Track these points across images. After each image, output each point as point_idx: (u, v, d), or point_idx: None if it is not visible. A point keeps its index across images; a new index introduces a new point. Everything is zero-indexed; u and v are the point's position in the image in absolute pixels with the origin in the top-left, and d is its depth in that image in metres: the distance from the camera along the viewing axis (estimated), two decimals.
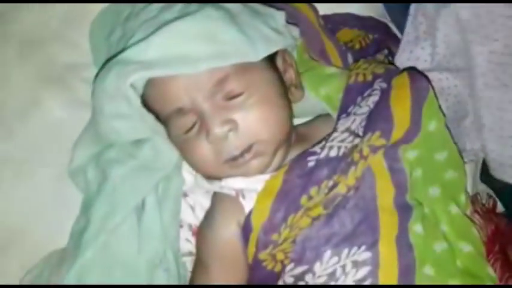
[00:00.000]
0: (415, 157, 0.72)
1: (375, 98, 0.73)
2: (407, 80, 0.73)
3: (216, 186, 0.76)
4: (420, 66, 0.82)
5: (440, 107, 0.74)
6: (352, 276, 0.66)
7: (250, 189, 0.73)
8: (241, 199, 0.73)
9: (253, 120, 0.71)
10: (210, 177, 0.76)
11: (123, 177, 0.76)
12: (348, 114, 0.73)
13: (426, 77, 0.75)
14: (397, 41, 0.91)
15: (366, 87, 0.75)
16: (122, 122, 0.75)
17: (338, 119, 0.74)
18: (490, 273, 0.69)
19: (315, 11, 0.90)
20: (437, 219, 0.71)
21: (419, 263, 0.66)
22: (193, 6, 0.75)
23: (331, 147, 0.70)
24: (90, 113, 0.83)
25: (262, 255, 0.70)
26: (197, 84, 0.70)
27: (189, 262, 0.80)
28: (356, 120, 0.72)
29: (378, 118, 0.71)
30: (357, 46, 0.90)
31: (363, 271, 0.65)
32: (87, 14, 0.87)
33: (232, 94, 0.71)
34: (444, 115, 0.74)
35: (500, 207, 0.79)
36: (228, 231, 0.73)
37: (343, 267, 0.66)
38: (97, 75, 0.75)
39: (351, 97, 0.76)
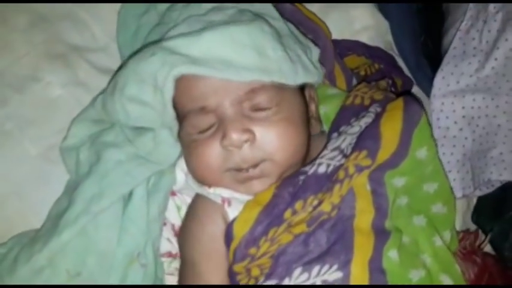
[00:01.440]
0: (403, 185, 0.70)
1: (367, 120, 0.73)
2: (401, 103, 0.72)
3: (204, 190, 0.74)
4: (463, 81, 0.81)
5: (432, 134, 0.73)
6: None
7: (238, 199, 0.72)
8: (226, 206, 0.72)
9: (272, 137, 0.70)
10: (203, 183, 0.74)
11: (117, 162, 0.74)
12: (340, 134, 0.73)
13: (421, 104, 0.74)
14: (402, 74, 0.93)
15: (361, 110, 0.76)
16: (138, 107, 0.73)
17: (329, 137, 0.74)
18: None
19: (330, 33, 0.92)
20: (419, 250, 0.69)
21: None
22: (247, 15, 0.75)
23: (320, 164, 0.70)
24: (88, 94, 0.83)
25: (238, 267, 0.68)
26: (229, 88, 0.70)
27: (167, 264, 0.78)
28: (346, 140, 0.71)
29: (366, 137, 0.70)
30: (363, 73, 0.92)
31: None
32: None
33: (259, 106, 0.70)
34: (436, 144, 0.73)
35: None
36: (215, 226, 0.71)
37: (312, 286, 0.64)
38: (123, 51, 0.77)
39: (344, 117, 0.76)
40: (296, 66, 0.73)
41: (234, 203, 0.71)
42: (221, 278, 0.71)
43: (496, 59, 0.79)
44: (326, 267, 0.64)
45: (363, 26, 0.97)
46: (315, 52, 0.80)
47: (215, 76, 0.69)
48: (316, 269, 0.64)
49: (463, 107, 0.80)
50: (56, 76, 0.84)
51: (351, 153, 0.69)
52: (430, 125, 0.72)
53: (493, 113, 0.80)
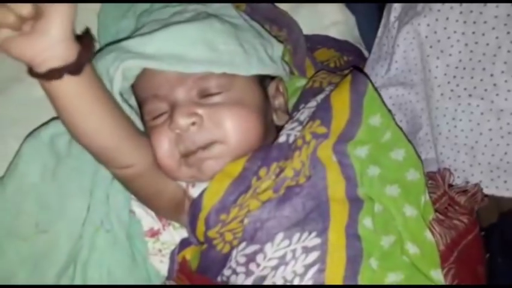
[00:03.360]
0: (366, 154, 0.73)
1: (322, 96, 0.78)
2: (349, 77, 0.77)
3: None
4: (378, 81, 0.88)
5: (384, 102, 0.76)
6: (302, 261, 0.67)
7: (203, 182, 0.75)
8: (190, 188, 0.77)
9: (219, 119, 0.73)
10: (167, 175, 0.77)
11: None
12: (299, 110, 0.78)
13: (368, 77, 0.79)
14: None
15: (320, 91, 0.80)
16: None
17: (291, 116, 0.79)
18: (436, 277, 0.69)
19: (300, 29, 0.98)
20: (392, 217, 0.71)
21: (366, 255, 0.67)
22: (202, 15, 0.81)
23: (281, 135, 0.75)
24: None
25: (211, 233, 0.72)
26: (181, 79, 0.74)
27: (150, 244, 0.83)
28: (304, 113, 0.76)
29: (318, 109, 0.75)
30: (332, 65, 0.97)
31: (312, 256, 0.67)
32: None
33: (208, 92, 0.74)
34: (390, 111, 0.77)
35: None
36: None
37: (294, 251, 0.68)
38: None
39: (304, 98, 0.81)
40: (251, 59, 0.77)
41: (198, 184, 0.76)
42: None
43: (396, 61, 0.86)
44: (305, 234, 0.68)
45: (332, 21, 1.02)
46: (277, 48, 0.84)
47: (166, 69, 0.74)
48: (296, 236, 0.68)
49: (390, 97, 0.85)
50: None
51: (307, 123, 0.74)
52: (379, 93, 0.76)
53: (415, 99, 0.85)
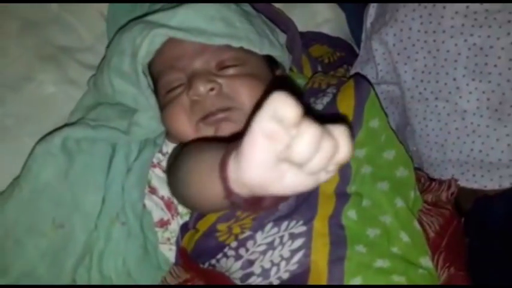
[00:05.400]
0: (364, 155, 0.77)
1: (328, 99, 0.82)
2: (352, 83, 0.81)
3: None
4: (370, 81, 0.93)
5: (382, 106, 0.81)
6: (288, 246, 0.70)
7: None
8: None
9: (237, 88, 0.76)
10: (182, 140, 0.78)
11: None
12: None
13: (369, 82, 0.84)
14: None
15: (318, 92, 0.85)
16: (120, 80, 0.82)
17: None
18: (425, 264, 0.71)
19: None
20: (381, 212, 0.73)
21: (350, 241, 0.69)
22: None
23: None
24: (78, 90, 0.92)
25: (221, 226, 0.74)
26: (200, 51, 0.78)
27: (160, 233, 0.86)
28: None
29: (326, 113, 0.79)
30: (326, 61, 1.02)
31: (298, 242, 0.70)
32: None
33: (225, 64, 0.78)
34: (386, 115, 0.82)
35: None
36: None
37: (281, 237, 0.70)
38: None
39: (305, 99, 0.85)
40: (262, 39, 0.83)
41: None
42: None
43: (379, 64, 0.91)
44: (293, 222, 0.71)
45: (324, 19, 1.07)
46: (282, 36, 0.90)
47: (189, 39, 0.77)
48: (284, 224, 0.71)
49: (382, 92, 0.91)
50: (48, 75, 0.92)
51: None
52: (378, 99, 0.81)
53: (402, 95, 0.91)
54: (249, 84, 0.77)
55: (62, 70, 0.93)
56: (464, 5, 0.80)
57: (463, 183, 0.85)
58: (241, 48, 0.80)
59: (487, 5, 0.79)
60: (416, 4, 0.83)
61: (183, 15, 0.79)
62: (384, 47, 0.90)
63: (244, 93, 0.76)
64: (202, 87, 0.75)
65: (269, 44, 0.84)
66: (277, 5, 1.04)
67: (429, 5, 0.82)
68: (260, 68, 0.82)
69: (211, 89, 0.75)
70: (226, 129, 0.75)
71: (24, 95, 0.90)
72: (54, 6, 0.95)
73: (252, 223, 0.73)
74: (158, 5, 0.90)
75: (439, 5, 0.81)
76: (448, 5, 0.81)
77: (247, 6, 0.89)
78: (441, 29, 0.82)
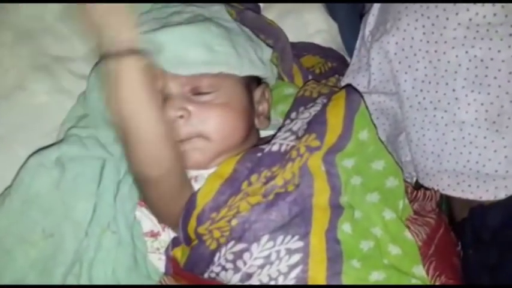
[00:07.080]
0: (352, 165, 0.78)
1: (316, 108, 0.83)
2: (343, 93, 0.82)
3: None
4: (361, 90, 0.92)
5: (371, 119, 0.81)
6: (286, 261, 0.71)
7: (203, 176, 0.80)
8: (193, 182, 0.80)
9: (206, 117, 0.79)
10: None
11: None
12: (292, 120, 0.83)
13: (360, 94, 0.84)
14: None
15: (309, 101, 0.86)
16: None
17: (283, 124, 0.84)
18: (418, 273, 0.73)
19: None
20: (371, 223, 0.75)
21: (346, 256, 0.71)
22: (199, 18, 0.86)
23: (273, 144, 0.79)
24: (71, 100, 0.92)
25: (201, 229, 0.76)
26: (176, 76, 0.80)
27: (149, 243, 0.86)
28: (297, 123, 0.81)
29: (314, 123, 0.80)
30: (317, 71, 1.02)
31: (295, 258, 0.71)
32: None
33: (199, 90, 0.81)
34: (375, 126, 0.82)
35: None
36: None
37: (278, 252, 0.72)
38: None
39: (295, 107, 0.86)
40: (242, 60, 0.84)
41: (201, 178, 0.80)
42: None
43: (373, 73, 0.92)
44: (289, 237, 0.73)
45: (316, 29, 1.07)
46: (267, 52, 0.91)
47: (168, 70, 0.79)
48: (280, 238, 0.73)
49: (373, 103, 0.92)
50: (41, 85, 0.93)
51: (302, 136, 0.79)
52: (368, 110, 0.82)
53: (396, 105, 0.92)
54: (219, 114, 0.80)
55: (54, 79, 0.94)
56: (467, 16, 0.80)
57: (458, 193, 0.86)
58: (219, 72, 0.81)
59: (490, 17, 0.79)
60: (419, 14, 0.84)
61: (162, 41, 0.80)
62: (382, 56, 0.90)
63: (212, 123, 0.80)
64: (172, 113, 0.78)
65: (249, 64, 0.85)
66: (269, 15, 1.05)
67: (432, 16, 0.83)
68: (235, 93, 0.84)
69: (180, 116, 0.79)
70: (191, 159, 0.79)
71: (17, 104, 0.91)
72: (47, 17, 0.96)
73: (230, 226, 0.75)
74: (151, 8, 0.91)
75: (442, 16, 0.82)
76: (451, 16, 0.81)
77: (231, 23, 0.90)
78: (443, 39, 0.82)
